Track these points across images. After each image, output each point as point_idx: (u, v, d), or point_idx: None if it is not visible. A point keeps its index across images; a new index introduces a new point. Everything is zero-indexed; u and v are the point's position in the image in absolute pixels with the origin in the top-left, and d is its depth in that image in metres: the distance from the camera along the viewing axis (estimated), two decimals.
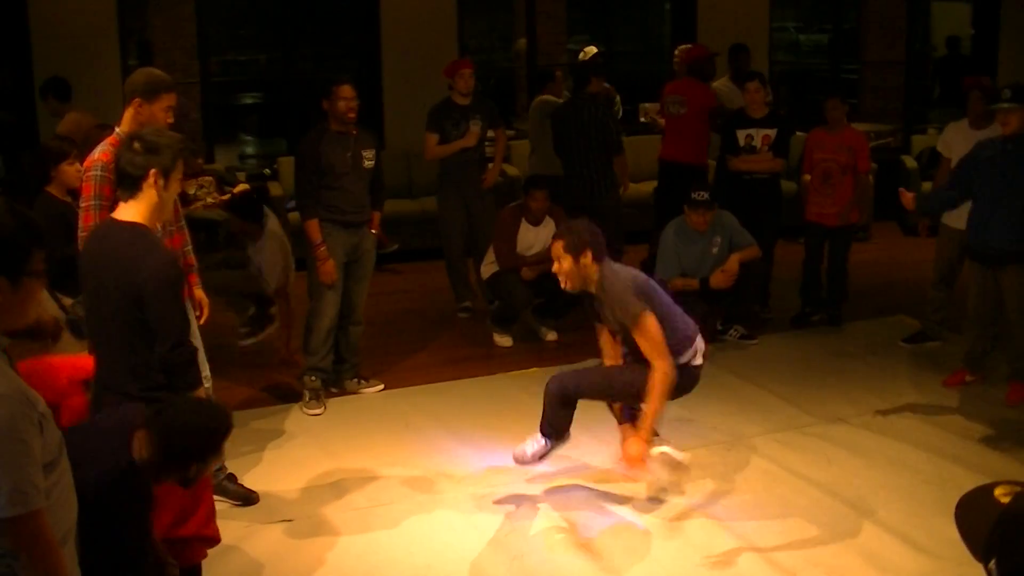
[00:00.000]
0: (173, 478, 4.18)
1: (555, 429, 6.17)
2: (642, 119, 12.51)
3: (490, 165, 9.66)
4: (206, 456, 4.12)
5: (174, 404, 4.18)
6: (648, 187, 12.05)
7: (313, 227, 7.45)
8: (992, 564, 2.08)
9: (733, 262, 8.42)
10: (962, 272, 8.35)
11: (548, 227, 8.92)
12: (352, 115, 7.43)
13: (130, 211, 4.58)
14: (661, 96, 10.34)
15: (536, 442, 6.18)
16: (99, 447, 3.94)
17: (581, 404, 7.38)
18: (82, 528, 3.23)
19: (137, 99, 5.43)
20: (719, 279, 8.36)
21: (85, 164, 5.43)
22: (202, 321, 5.91)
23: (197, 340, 5.79)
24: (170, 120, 5.51)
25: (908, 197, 7.56)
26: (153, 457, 3.98)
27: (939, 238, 8.56)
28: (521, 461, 6.20)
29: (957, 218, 8.17)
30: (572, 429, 6.93)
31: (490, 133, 9.63)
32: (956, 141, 8.37)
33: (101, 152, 5.28)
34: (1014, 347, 7.60)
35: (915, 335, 8.76)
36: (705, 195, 8.42)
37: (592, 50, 11.35)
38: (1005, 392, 7.59)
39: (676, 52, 10.84)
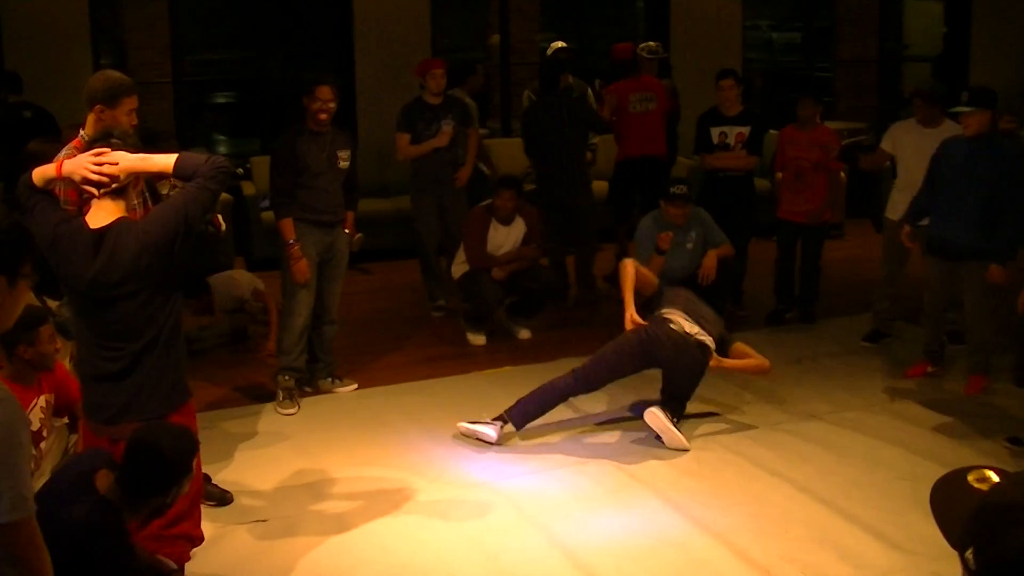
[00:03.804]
0: (150, 510, 4.18)
1: (525, 418, 6.89)
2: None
3: (463, 163, 9.66)
4: (174, 484, 4.11)
5: (134, 442, 4.16)
6: None
7: (287, 226, 7.43)
8: (969, 553, 2.08)
9: (711, 258, 8.44)
10: (908, 266, 8.61)
11: (518, 226, 8.92)
12: (324, 116, 7.40)
13: (113, 211, 4.56)
14: (617, 94, 10.22)
15: (494, 428, 6.84)
16: (69, 496, 3.98)
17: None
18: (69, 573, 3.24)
19: (99, 105, 5.36)
20: (707, 268, 8.41)
21: None
22: None
23: None
24: (134, 123, 5.44)
25: (907, 232, 7.82)
26: (121, 497, 4.00)
27: (885, 233, 8.77)
28: (469, 430, 6.93)
29: (897, 211, 8.38)
30: (546, 429, 7.01)
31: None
32: (905, 139, 8.48)
33: (66, 156, 5.21)
34: (971, 340, 7.71)
35: (871, 333, 8.81)
36: (684, 188, 8.43)
37: (557, 45, 11.36)
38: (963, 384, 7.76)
39: (643, 48, 10.73)
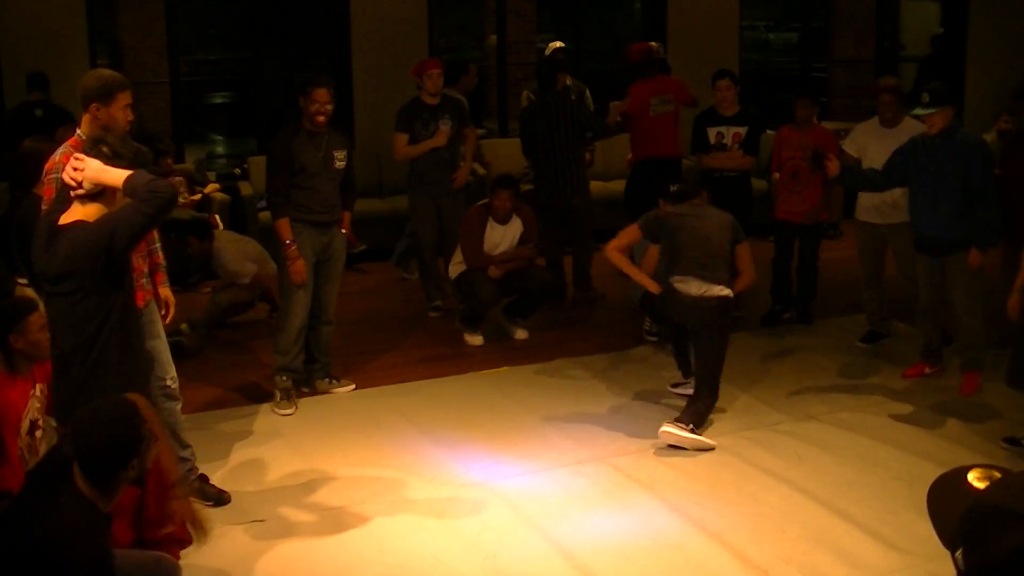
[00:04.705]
0: (122, 489, 4.15)
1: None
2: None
3: (461, 163, 9.65)
4: (131, 455, 4.07)
5: (76, 426, 4.13)
6: (620, 185, 12.04)
7: (284, 226, 7.42)
8: (959, 554, 2.08)
9: None
10: (887, 265, 8.64)
11: (515, 226, 8.92)
12: (321, 119, 7.40)
13: (79, 212, 4.59)
14: (637, 97, 10.19)
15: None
16: (48, 485, 3.97)
17: (553, 405, 7.44)
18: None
19: (94, 103, 5.37)
20: None
21: (46, 167, 5.37)
22: (167, 320, 5.91)
23: (162, 340, 5.79)
24: (130, 118, 5.46)
25: (834, 164, 7.78)
26: (87, 483, 3.99)
27: (858, 236, 8.80)
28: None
29: (869, 212, 8.51)
30: (544, 429, 7.01)
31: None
32: (867, 141, 8.51)
33: (62, 155, 5.21)
34: (963, 337, 7.74)
35: (868, 335, 8.82)
36: (681, 187, 8.44)
37: (555, 45, 11.33)
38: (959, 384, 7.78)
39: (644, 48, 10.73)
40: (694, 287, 7.00)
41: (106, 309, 4.63)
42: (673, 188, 8.37)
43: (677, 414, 6.95)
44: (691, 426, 6.83)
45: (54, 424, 5.52)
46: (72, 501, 3.98)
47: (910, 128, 8.05)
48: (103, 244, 4.50)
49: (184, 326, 8.59)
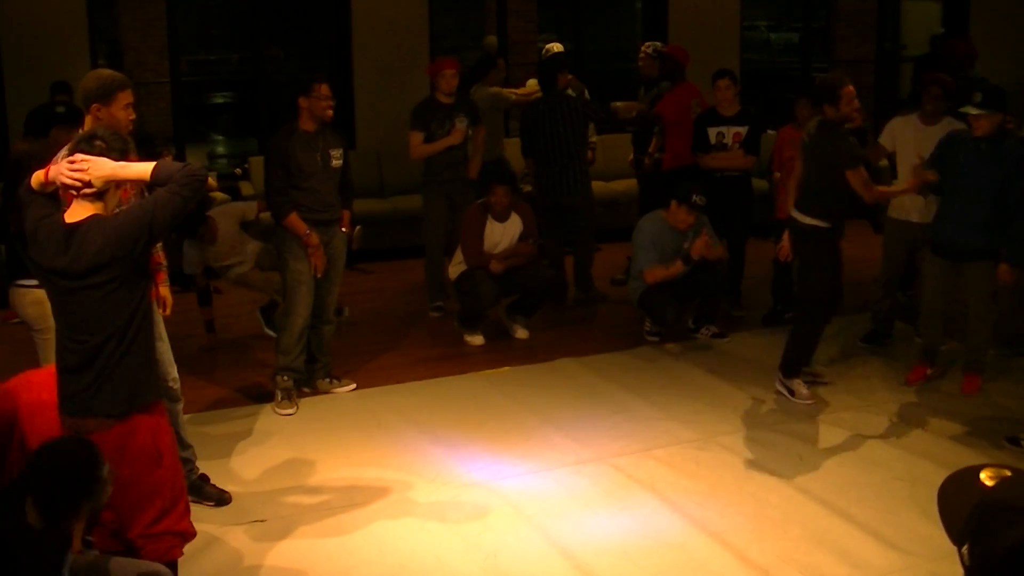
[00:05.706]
0: (76, 525, 4.14)
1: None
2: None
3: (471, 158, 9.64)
4: (83, 499, 4.07)
5: (35, 463, 4.13)
6: (621, 186, 12.06)
7: (295, 220, 7.36)
8: (964, 549, 2.09)
9: (702, 238, 8.45)
10: (907, 269, 8.65)
11: (514, 223, 8.92)
12: (331, 113, 7.43)
13: (88, 209, 4.58)
14: (682, 101, 9.97)
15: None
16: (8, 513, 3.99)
17: (554, 405, 7.44)
18: None
19: (95, 104, 5.37)
20: (699, 246, 8.37)
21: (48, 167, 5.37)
22: (166, 312, 5.91)
23: (164, 341, 5.78)
24: (132, 116, 5.46)
25: (928, 174, 7.64)
26: (38, 518, 3.99)
27: (888, 232, 8.64)
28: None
29: (907, 210, 8.30)
30: (545, 429, 7.00)
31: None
32: (904, 135, 8.32)
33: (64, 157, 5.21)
34: (971, 340, 7.71)
35: (869, 334, 8.80)
36: (704, 199, 8.47)
37: (555, 47, 11.35)
38: (959, 383, 7.77)
39: (650, 49, 10.68)
40: (793, 211, 7.63)
41: (137, 298, 4.64)
42: (696, 199, 8.41)
43: (675, 411, 6.99)
44: (787, 387, 7.59)
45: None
46: (23, 535, 3.98)
47: (949, 128, 7.96)
48: (144, 227, 4.51)
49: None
